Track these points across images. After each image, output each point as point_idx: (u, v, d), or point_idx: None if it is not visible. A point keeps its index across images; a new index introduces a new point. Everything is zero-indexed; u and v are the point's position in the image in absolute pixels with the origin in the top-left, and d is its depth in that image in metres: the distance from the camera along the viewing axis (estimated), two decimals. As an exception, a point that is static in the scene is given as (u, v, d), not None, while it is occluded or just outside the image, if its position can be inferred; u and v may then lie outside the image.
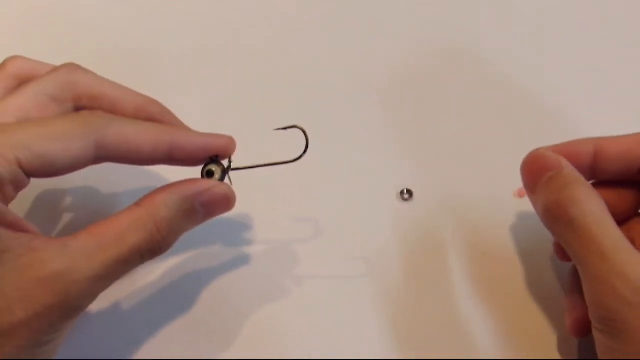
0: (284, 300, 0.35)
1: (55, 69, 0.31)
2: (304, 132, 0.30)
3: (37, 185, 0.36)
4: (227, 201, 0.29)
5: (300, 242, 0.36)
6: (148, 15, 0.45)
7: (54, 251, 0.25)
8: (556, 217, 0.28)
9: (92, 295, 0.26)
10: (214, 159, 0.30)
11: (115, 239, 0.26)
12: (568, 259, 0.31)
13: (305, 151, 0.30)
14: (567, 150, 0.30)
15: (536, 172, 0.30)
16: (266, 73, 0.43)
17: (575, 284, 0.31)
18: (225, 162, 0.30)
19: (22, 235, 0.25)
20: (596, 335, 0.27)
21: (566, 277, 0.33)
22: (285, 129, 0.31)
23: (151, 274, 0.35)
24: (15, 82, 0.31)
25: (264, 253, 0.36)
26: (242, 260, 0.36)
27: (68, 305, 0.25)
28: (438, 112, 0.41)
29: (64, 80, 0.30)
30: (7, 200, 0.26)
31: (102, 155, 0.28)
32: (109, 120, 0.28)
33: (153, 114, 0.31)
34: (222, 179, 0.30)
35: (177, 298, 0.34)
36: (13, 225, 0.25)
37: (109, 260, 0.26)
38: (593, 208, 0.28)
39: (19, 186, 0.26)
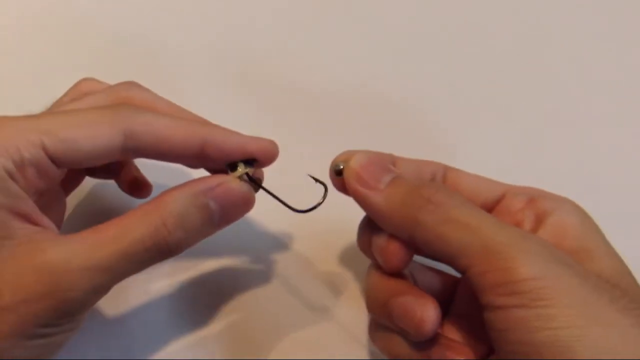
0: (302, 318, 0.35)
1: (114, 85, 0.31)
2: (325, 188, 0.29)
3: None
4: (242, 198, 0.28)
5: (323, 257, 0.36)
6: (152, 15, 0.45)
7: (53, 243, 0.25)
8: (427, 211, 0.26)
9: (88, 290, 0.25)
10: (249, 161, 0.29)
11: (118, 234, 0.25)
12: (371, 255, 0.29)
13: (319, 205, 0.29)
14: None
15: (378, 171, 0.28)
16: (273, 75, 0.43)
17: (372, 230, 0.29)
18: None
19: (29, 226, 0.25)
20: (504, 315, 0.24)
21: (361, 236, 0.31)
22: (315, 180, 0.30)
23: (165, 285, 0.35)
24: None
25: (284, 268, 0.36)
26: (258, 274, 0.36)
27: (59, 296, 0.24)
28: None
29: (119, 95, 0.30)
30: (30, 186, 0.26)
31: (131, 145, 0.27)
32: (140, 111, 0.27)
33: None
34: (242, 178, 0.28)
35: (193, 311, 0.34)
36: (25, 215, 0.25)
37: (108, 252, 0.25)
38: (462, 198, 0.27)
39: (44, 173, 0.26)
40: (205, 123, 0.29)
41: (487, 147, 0.41)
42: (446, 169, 0.31)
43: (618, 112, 0.43)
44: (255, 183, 0.29)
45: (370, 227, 0.29)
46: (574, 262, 0.25)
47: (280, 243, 0.37)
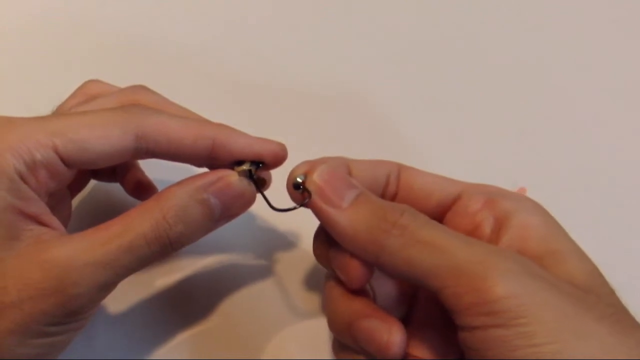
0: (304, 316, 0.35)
1: (123, 88, 0.32)
2: (309, 195, 0.28)
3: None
4: (240, 193, 0.28)
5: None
6: (153, 17, 0.46)
7: (58, 242, 0.25)
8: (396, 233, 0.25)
9: (92, 286, 0.25)
10: (258, 163, 0.28)
11: (121, 230, 0.26)
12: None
13: (297, 207, 0.28)
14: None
15: (341, 187, 0.27)
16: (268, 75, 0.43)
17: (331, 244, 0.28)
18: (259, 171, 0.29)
19: (37, 227, 0.25)
20: (481, 335, 0.23)
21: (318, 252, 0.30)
22: (303, 189, 0.28)
23: (164, 285, 0.35)
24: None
25: (283, 266, 0.36)
26: (256, 272, 0.36)
27: (64, 292, 0.24)
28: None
29: (128, 98, 0.31)
30: (41, 187, 0.26)
31: (143, 146, 0.27)
32: (151, 112, 0.28)
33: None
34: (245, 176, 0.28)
35: (192, 310, 0.35)
36: (34, 216, 0.25)
37: (111, 247, 0.25)
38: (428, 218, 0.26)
39: (55, 174, 0.26)
40: (215, 124, 0.29)
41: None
42: (400, 169, 0.30)
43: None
44: (253, 181, 0.28)
45: (327, 238, 0.28)
46: (546, 274, 0.24)
47: (279, 241, 0.37)
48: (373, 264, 0.26)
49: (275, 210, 0.29)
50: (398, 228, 0.25)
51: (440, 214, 0.30)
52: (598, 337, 0.22)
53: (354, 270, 0.27)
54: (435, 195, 0.29)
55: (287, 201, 0.29)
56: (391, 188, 0.30)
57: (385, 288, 0.30)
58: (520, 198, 0.28)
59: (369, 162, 0.30)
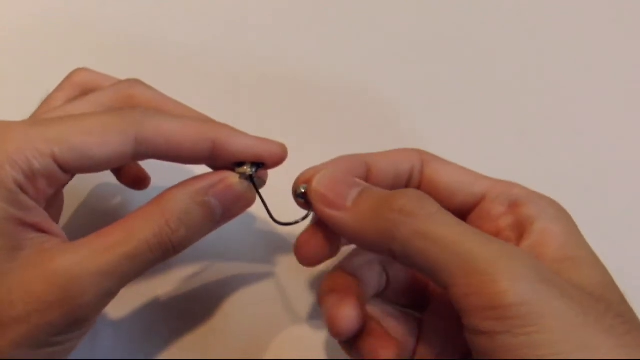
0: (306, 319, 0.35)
1: (117, 82, 0.31)
2: (310, 209, 0.28)
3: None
4: (241, 195, 0.28)
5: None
6: (152, 15, 0.46)
7: (61, 251, 0.25)
8: (403, 224, 0.24)
9: (98, 295, 0.25)
10: (258, 164, 0.28)
11: (124, 237, 0.25)
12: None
13: (298, 222, 0.29)
14: (344, 168, 0.29)
15: (342, 188, 0.27)
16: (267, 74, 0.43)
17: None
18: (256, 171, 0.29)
19: (38, 235, 0.25)
20: (488, 339, 0.23)
21: None
22: (303, 201, 0.28)
23: (163, 286, 0.35)
24: (79, 92, 0.32)
25: (284, 267, 0.36)
26: (257, 273, 0.36)
27: (70, 303, 0.24)
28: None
29: (123, 93, 0.30)
30: (40, 196, 0.26)
31: (142, 150, 0.27)
32: (150, 115, 0.27)
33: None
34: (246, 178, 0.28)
35: (192, 310, 0.35)
36: (34, 224, 0.25)
37: (115, 256, 0.25)
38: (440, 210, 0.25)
39: (53, 181, 0.26)
40: (214, 124, 0.29)
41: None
42: (423, 162, 0.30)
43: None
44: (253, 183, 0.28)
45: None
46: (559, 280, 0.23)
47: (279, 243, 0.37)
48: (388, 256, 0.26)
49: (278, 224, 0.29)
50: (406, 215, 0.24)
51: (463, 214, 0.29)
52: (605, 349, 0.22)
53: (305, 248, 0.28)
54: (459, 196, 0.29)
55: (288, 204, 0.29)
56: (414, 183, 0.30)
57: (399, 274, 0.31)
58: (544, 202, 0.28)
59: (388, 157, 0.30)
